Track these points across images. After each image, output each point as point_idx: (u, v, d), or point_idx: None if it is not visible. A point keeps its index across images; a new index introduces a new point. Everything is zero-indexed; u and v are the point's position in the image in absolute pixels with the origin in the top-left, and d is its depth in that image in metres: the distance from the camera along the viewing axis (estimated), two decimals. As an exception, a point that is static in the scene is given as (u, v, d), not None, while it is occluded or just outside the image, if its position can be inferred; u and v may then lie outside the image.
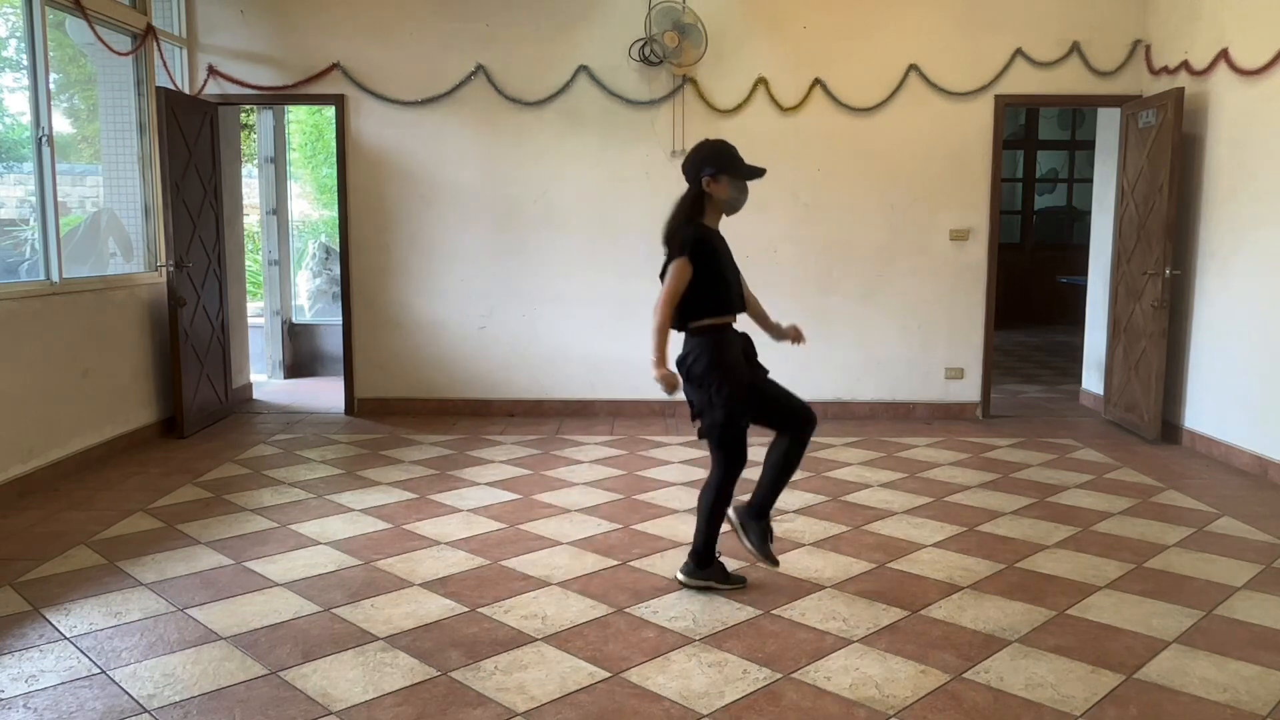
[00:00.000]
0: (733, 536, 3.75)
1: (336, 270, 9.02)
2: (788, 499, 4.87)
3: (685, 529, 4.38)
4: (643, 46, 6.62)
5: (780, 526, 4.43)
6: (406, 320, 6.98)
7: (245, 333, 7.79)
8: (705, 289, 3.49)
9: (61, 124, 6.12)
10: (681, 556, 4.02)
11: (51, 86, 5.22)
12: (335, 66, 6.74)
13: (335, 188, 7.10)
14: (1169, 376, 6.22)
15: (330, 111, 7.97)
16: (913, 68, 6.74)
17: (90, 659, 3.07)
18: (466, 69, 6.75)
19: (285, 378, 8.72)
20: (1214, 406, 5.89)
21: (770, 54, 6.74)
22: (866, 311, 6.91)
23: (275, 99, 7.01)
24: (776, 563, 3.73)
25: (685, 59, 6.58)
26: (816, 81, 6.75)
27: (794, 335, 4.03)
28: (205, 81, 6.74)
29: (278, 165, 8.68)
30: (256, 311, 8.89)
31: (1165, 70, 6.36)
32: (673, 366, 3.46)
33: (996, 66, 6.72)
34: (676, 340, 3.54)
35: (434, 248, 6.91)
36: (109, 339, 5.77)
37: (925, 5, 6.70)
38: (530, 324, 6.98)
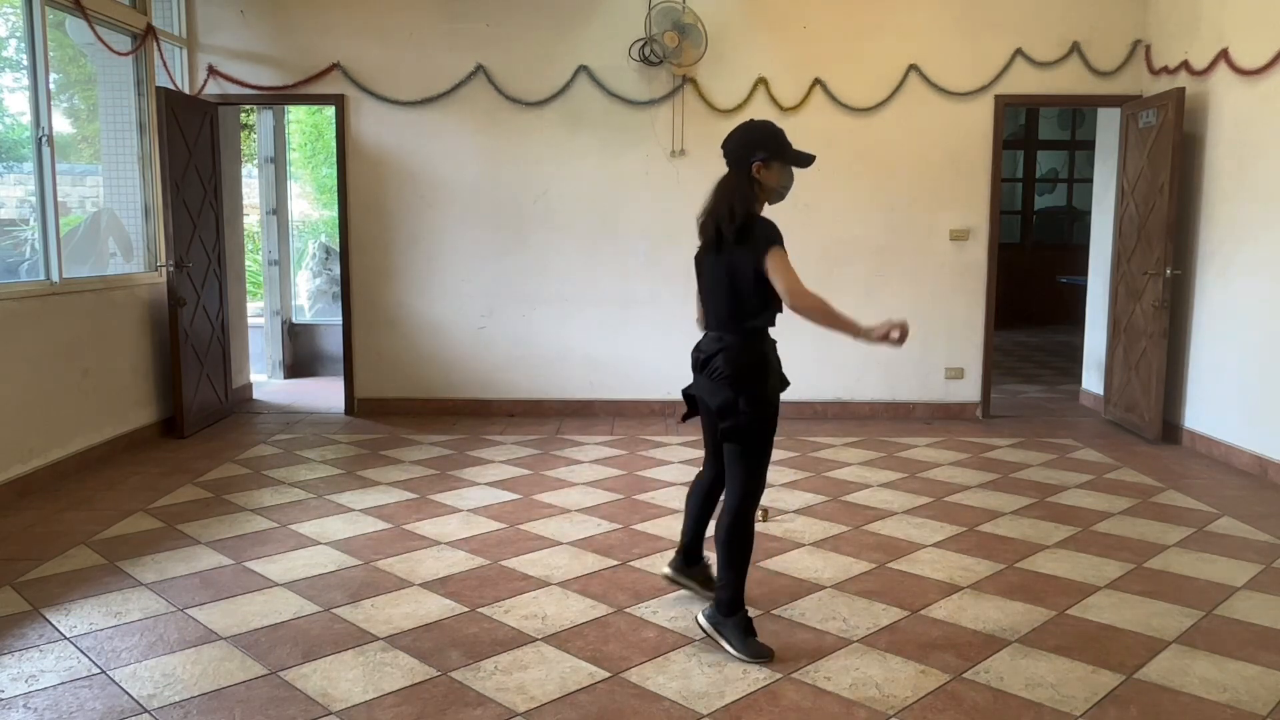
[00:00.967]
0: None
1: (336, 270, 9.02)
2: (788, 499, 4.87)
3: (685, 529, 4.38)
4: (643, 46, 6.62)
5: (780, 526, 4.44)
6: (406, 320, 6.98)
7: (245, 333, 7.79)
8: (771, 290, 3.23)
9: (61, 124, 6.12)
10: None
11: (51, 86, 5.22)
12: (335, 66, 6.74)
13: (335, 188, 7.11)
14: (1169, 376, 6.22)
15: (330, 111, 7.97)
16: (913, 68, 6.74)
17: (90, 659, 3.07)
18: (466, 69, 6.75)
19: (285, 378, 8.72)
20: (1214, 406, 5.89)
21: (770, 54, 6.74)
22: (866, 311, 6.78)
23: (275, 99, 7.01)
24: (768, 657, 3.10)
25: (685, 59, 6.58)
26: (816, 81, 6.75)
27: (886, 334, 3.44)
28: (205, 81, 6.74)
29: (278, 165, 8.68)
30: (256, 311, 8.88)
31: (1165, 70, 6.36)
32: (865, 327, 3.12)
33: (996, 66, 6.72)
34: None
35: (434, 248, 6.91)
36: (109, 339, 5.77)
37: (925, 5, 6.70)
38: (530, 324, 6.98)
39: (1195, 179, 6.10)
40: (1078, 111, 12.77)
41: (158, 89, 6.14)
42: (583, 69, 6.74)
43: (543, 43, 6.74)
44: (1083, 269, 8.13)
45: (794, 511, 4.67)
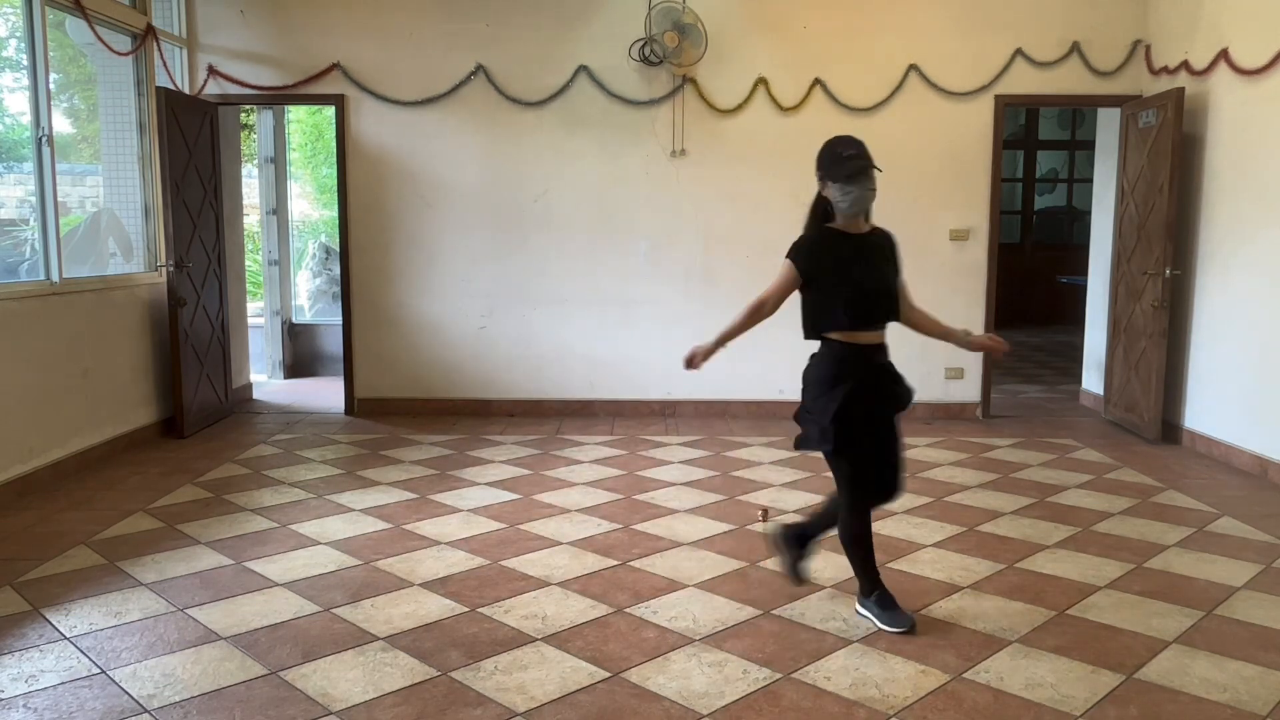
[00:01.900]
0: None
1: (336, 270, 9.02)
2: (788, 499, 4.87)
3: (685, 529, 4.38)
4: (643, 46, 6.62)
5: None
6: (406, 320, 6.98)
7: (245, 333, 7.79)
8: (816, 298, 3.37)
9: (61, 124, 6.12)
10: (681, 555, 4.03)
11: (51, 86, 5.22)
12: (335, 66, 6.74)
13: (335, 188, 7.10)
14: (1169, 376, 6.22)
15: (330, 111, 7.97)
16: (913, 68, 6.74)
17: (90, 659, 3.07)
18: (466, 69, 6.75)
19: (285, 378, 8.72)
20: (1214, 406, 5.89)
21: (770, 54, 6.74)
22: (866, 311, 6.90)
23: (275, 99, 7.01)
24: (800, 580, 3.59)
25: (685, 59, 6.57)
26: (816, 81, 6.75)
27: (989, 346, 3.52)
28: (205, 81, 6.74)
29: (278, 165, 8.68)
30: (256, 311, 8.88)
31: (1165, 70, 6.36)
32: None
33: (996, 66, 6.72)
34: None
35: (434, 248, 6.91)
36: (109, 339, 5.77)
37: (925, 5, 6.70)
38: (530, 324, 6.98)
39: (1195, 179, 6.10)
40: (1078, 111, 12.77)
41: (158, 89, 6.14)
42: (583, 69, 6.74)
43: (543, 43, 6.74)
44: (1083, 269, 8.13)
45: (794, 511, 4.67)
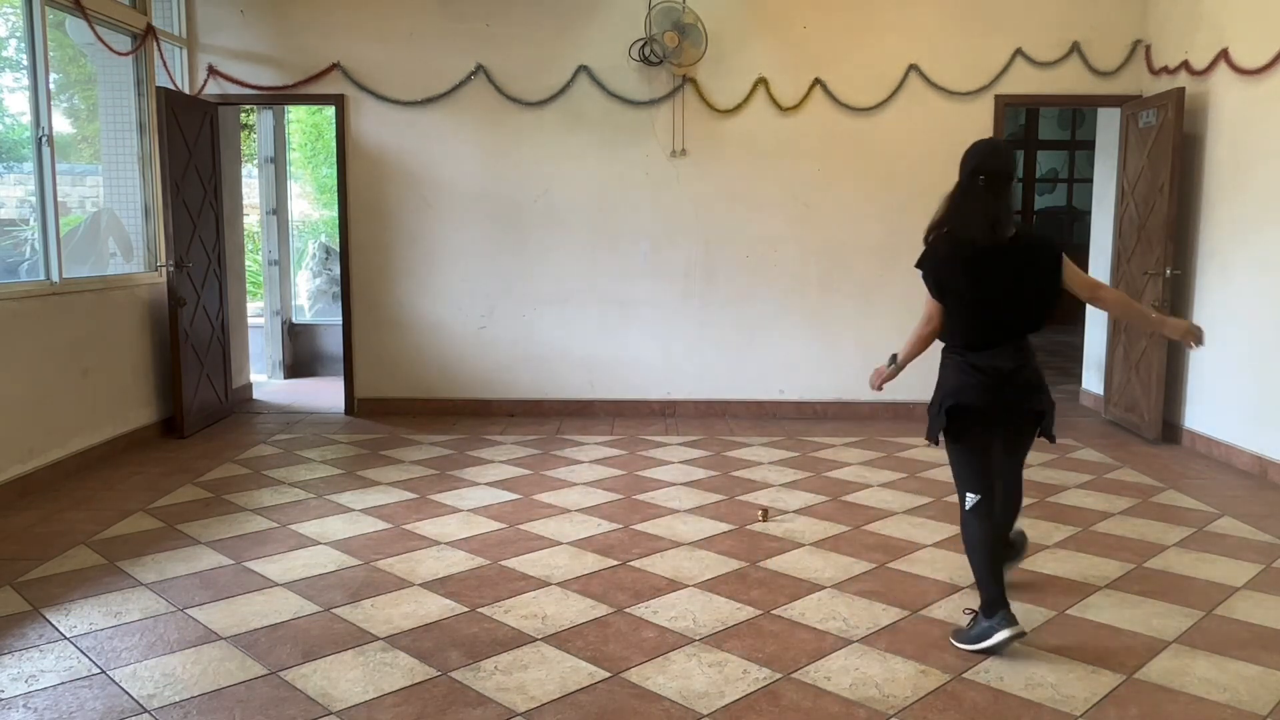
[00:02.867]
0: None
1: (336, 270, 9.02)
2: (788, 499, 4.87)
3: (685, 529, 4.38)
4: (643, 46, 6.61)
5: (780, 526, 4.44)
6: (406, 320, 6.98)
7: (245, 333, 7.79)
8: (945, 309, 3.30)
9: (61, 124, 6.12)
10: (680, 556, 4.02)
11: (51, 86, 5.22)
12: (335, 66, 6.74)
13: (335, 188, 7.10)
14: (1169, 376, 6.22)
15: (330, 111, 7.96)
16: (913, 68, 6.74)
17: (90, 659, 3.07)
18: (466, 69, 6.75)
19: (285, 378, 8.71)
20: (1214, 406, 5.89)
21: (770, 54, 6.74)
22: (866, 311, 6.91)
23: (275, 99, 7.01)
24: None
25: (685, 59, 6.57)
26: (816, 81, 6.75)
27: (1186, 333, 3.22)
28: (205, 81, 6.74)
29: (278, 165, 8.68)
30: (256, 311, 8.88)
31: (1165, 70, 6.36)
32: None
33: (996, 66, 6.72)
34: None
35: (434, 248, 6.91)
36: (109, 339, 5.77)
37: (925, 5, 6.70)
38: (530, 324, 6.98)
39: (1195, 179, 6.10)
40: (1078, 111, 12.76)
41: (158, 89, 6.14)
42: (583, 69, 6.74)
43: (543, 43, 6.74)
44: (1083, 269, 8.11)
45: (794, 511, 4.67)
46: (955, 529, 4.40)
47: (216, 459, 5.68)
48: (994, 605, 3.09)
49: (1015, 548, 3.62)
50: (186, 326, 6.31)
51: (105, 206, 6.31)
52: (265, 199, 8.72)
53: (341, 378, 7.19)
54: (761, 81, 6.75)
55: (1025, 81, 6.73)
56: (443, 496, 4.91)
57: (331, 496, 4.91)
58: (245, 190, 8.29)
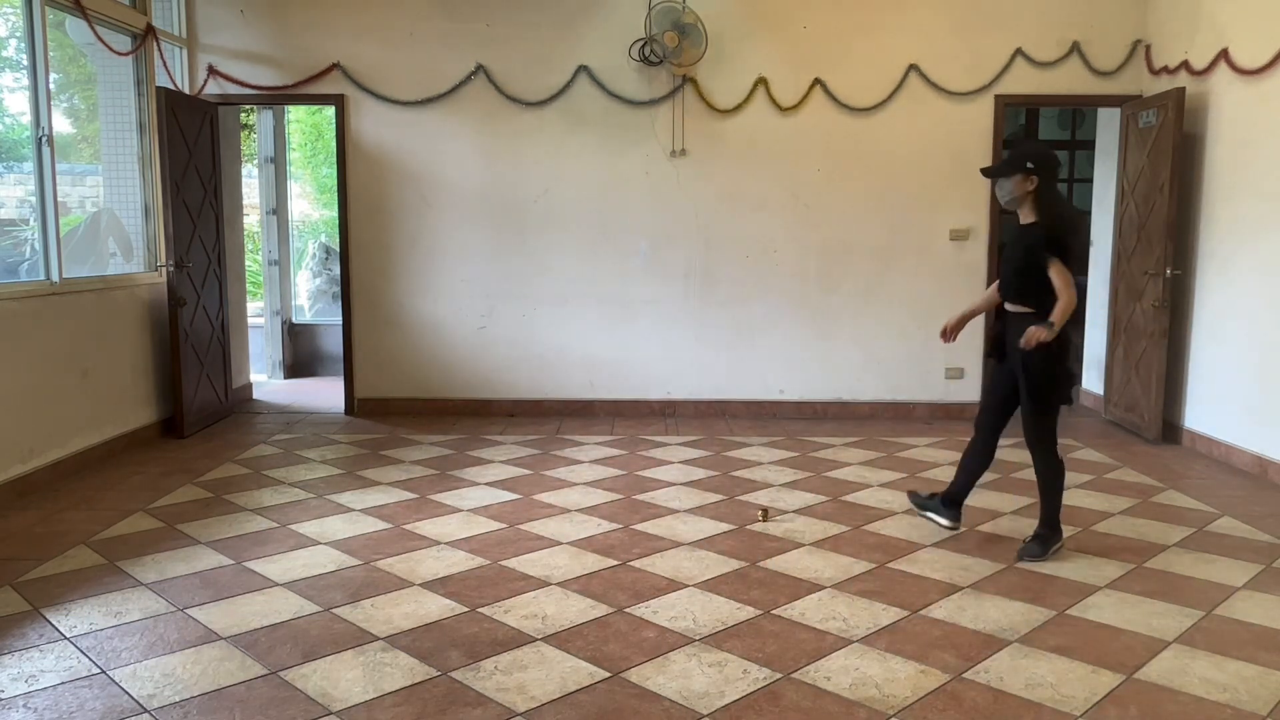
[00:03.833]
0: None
1: (336, 270, 9.02)
2: (788, 499, 4.87)
3: (685, 529, 4.38)
4: (643, 46, 6.61)
5: (780, 526, 4.44)
6: (406, 320, 6.98)
7: (245, 333, 7.79)
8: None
9: (61, 124, 6.12)
10: (680, 556, 4.03)
11: (51, 86, 5.22)
12: (335, 66, 6.74)
13: (335, 188, 7.10)
14: (1169, 376, 6.22)
15: (330, 111, 7.97)
16: (913, 68, 6.74)
17: (90, 659, 3.07)
18: (466, 69, 6.75)
19: (285, 378, 8.72)
20: (1214, 406, 5.89)
21: (770, 54, 6.74)
22: (866, 311, 6.91)
23: (275, 99, 7.01)
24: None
25: (685, 59, 6.57)
26: (816, 81, 6.75)
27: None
28: (205, 81, 6.74)
29: (278, 165, 8.68)
30: (256, 311, 8.88)
31: (1165, 70, 6.36)
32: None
33: (996, 66, 6.72)
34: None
35: (434, 248, 6.91)
36: (109, 339, 5.77)
37: (925, 5, 6.70)
38: (530, 324, 6.98)
39: (1195, 179, 6.10)
40: (1078, 111, 12.74)
41: (158, 89, 6.14)
42: (583, 69, 6.74)
43: (543, 43, 6.74)
44: (1083, 270, 8.12)
45: (794, 511, 4.67)
46: (955, 529, 4.41)
47: (216, 459, 5.68)
48: (1053, 525, 4.05)
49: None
50: (186, 326, 6.31)
51: (105, 206, 6.31)
52: (265, 199, 8.72)
53: (341, 378, 7.19)
54: (761, 81, 6.75)
55: (1025, 81, 6.73)
56: (443, 496, 4.91)
57: (331, 496, 4.91)
58: (245, 190, 8.29)
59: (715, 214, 6.87)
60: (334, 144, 7.10)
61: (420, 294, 6.96)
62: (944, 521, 4.35)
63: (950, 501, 4.36)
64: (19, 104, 5.52)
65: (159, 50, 6.34)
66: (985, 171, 4.20)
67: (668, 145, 6.81)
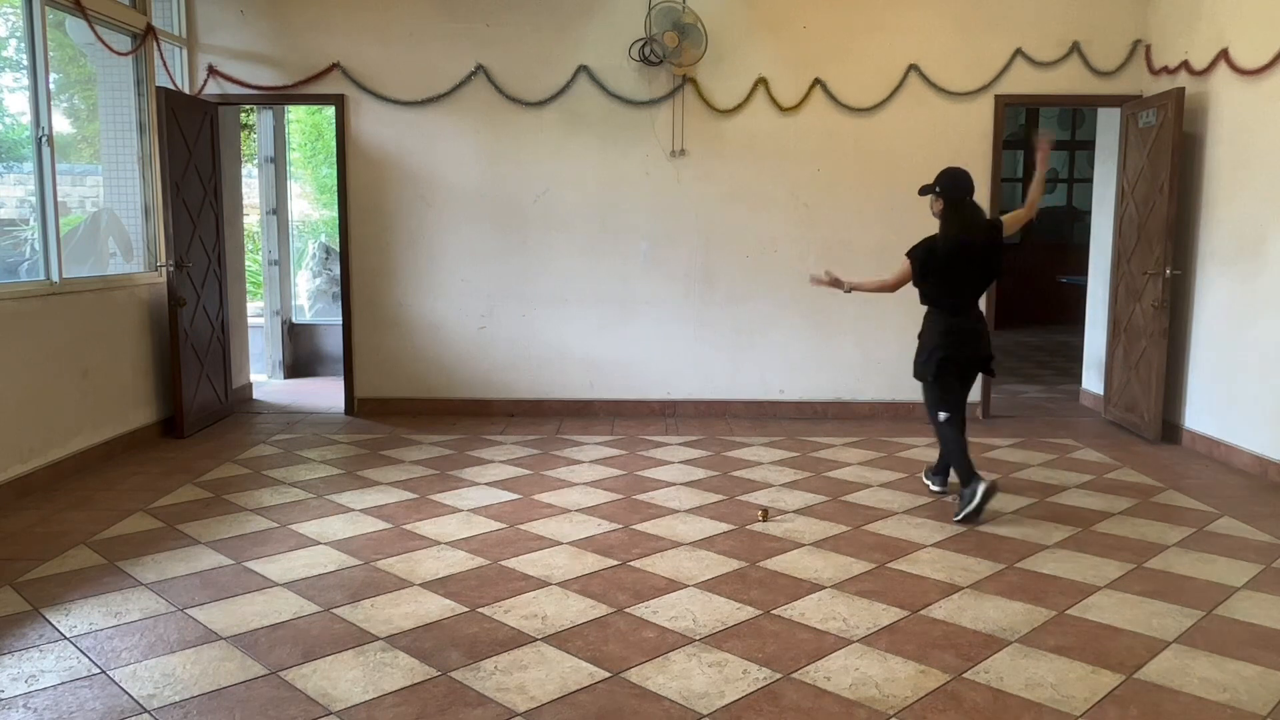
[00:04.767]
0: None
1: (336, 270, 9.02)
2: (788, 499, 4.87)
3: (685, 529, 4.38)
4: (643, 46, 6.62)
5: (780, 526, 4.44)
6: (406, 320, 6.98)
7: (245, 333, 7.79)
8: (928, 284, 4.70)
9: (61, 124, 6.12)
10: (680, 556, 4.03)
11: (51, 86, 5.22)
12: (335, 66, 6.74)
13: (335, 188, 7.10)
14: (1169, 376, 6.22)
15: (330, 111, 7.97)
16: (913, 68, 6.74)
17: (90, 659, 3.07)
18: (466, 69, 6.75)
19: (285, 378, 8.71)
20: (1214, 406, 5.89)
21: (770, 54, 6.74)
22: (866, 311, 6.90)
23: (275, 99, 7.01)
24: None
25: (685, 59, 6.57)
26: (816, 81, 6.75)
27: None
28: (205, 81, 6.74)
29: (278, 165, 8.68)
30: (256, 311, 8.88)
31: (1165, 70, 6.36)
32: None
33: (996, 66, 6.72)
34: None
35: (434, 248, 6.91)
36: (109, 339, 5.77)
37: (925, 5, 6.70)
38: (530, 324, 6.98)
39: (1195, 179, 6.10)
40: (1078, 111, 12.77)
41: (158, 89, 6.14)
42: (583, 69, 6.74)
43: (543, 43, 6.74)
44: (1083, 269, 8.13)
45: (794, 511, 4.67)
46: (956, 529, 4.42)
47: (216, 459, 5.68)
48: (971, 476, 4.49)
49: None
50: (186, 326, 6.31)
51: (105, 206, 6.31)
52: (265, 199, 8.72)
53: (341, 378, 7.20)
54: (761, 81, 6.75)
55: (1025, 81, 6.73)
56: (443, 496, 4.92)
57: (331, 496, 4.91)
58: (245, 190, 8.29)
59: (715, 214, 6.87)
60: (334, 144, 7.10)
61: (420, 294, 6.96)
62: (934, 487, 5.00)
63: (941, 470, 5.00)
64: (19, 104, 5.52)
65: (159, 50, 6.34)
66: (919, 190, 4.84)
67: (668, 145, 6.81)
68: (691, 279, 6.93)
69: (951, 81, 6.74)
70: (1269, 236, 5.38)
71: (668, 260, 6.92)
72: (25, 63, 5.13)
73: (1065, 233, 13.31)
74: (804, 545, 4.18)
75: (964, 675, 2.97)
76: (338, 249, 7.36)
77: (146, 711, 2.75)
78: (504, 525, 4.44)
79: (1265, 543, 4.26)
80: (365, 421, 6.81)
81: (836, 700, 2.82)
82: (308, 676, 2.95)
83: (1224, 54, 5.73)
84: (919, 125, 6.78)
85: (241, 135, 8.28)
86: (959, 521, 4.46)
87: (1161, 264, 6.08)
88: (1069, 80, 6.73)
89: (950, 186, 4.62)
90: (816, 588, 3.69)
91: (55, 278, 5.25)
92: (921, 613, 3.45)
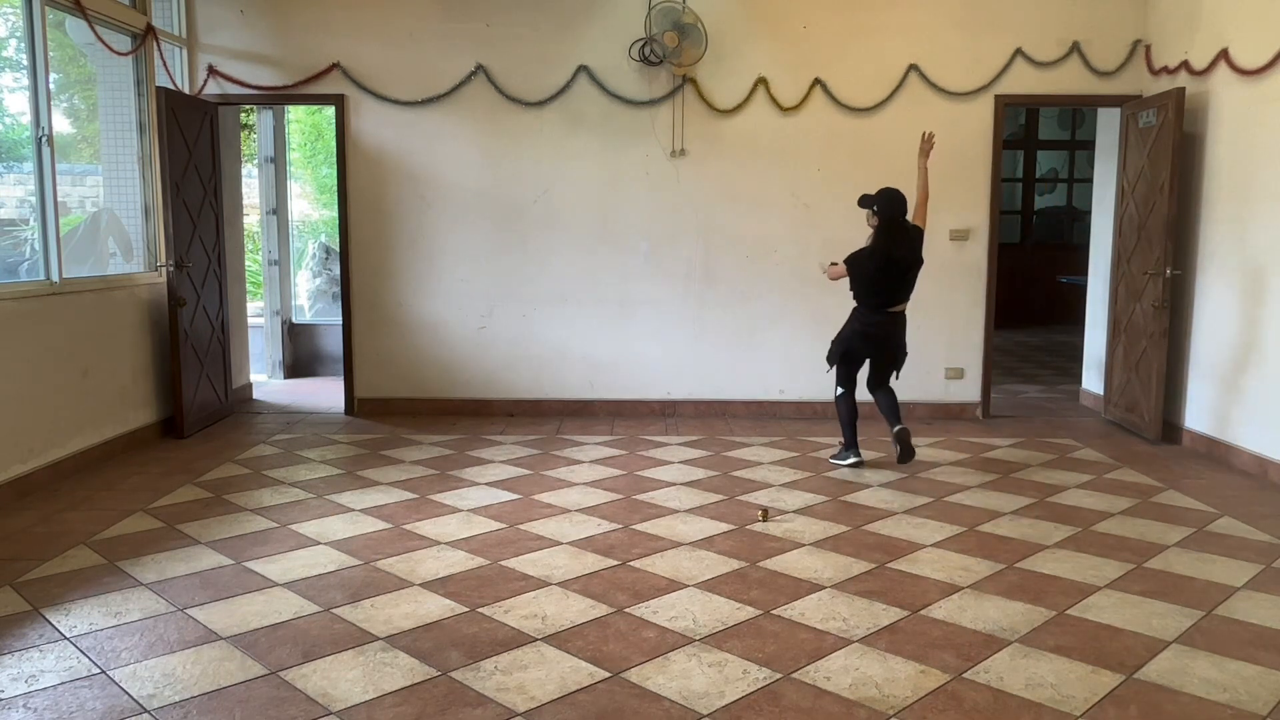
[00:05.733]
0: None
1: (336, 270, 9.02)
2: (788, 499, 4.87)
3: (685, 528, 4.38)
4: (643, 46, 6.62)
5: (780, 526, 4.44)
6: (406, 320, 6.98)
7: (245, 333, 7.79)
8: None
9: (61, 124, 6.12)
10: (680, 556, 4.03)
11: (51, 86, 5.22)
12: (335, 66, 6.74)
13: (335, 188, 7.10)
14: (1169, 376, 6.22)
15: (330, 111, 7.97)
16: (913, 68, 6.74)
17: (90, 659, 3.07)
18: (466, 69, 6.75)
19: (285, 378, 8.71)
20: (1214, 406, 5.89)
21: (770, 54, 6.74)
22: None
23: (275, 99, 7.01)
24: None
25: (685, 59, 6.57)
26: (816, 81, 6.75)
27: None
28: (205, 81, 6.74)
29: (278, 165, 8.68)
30: (256, 311, 8.88)
31: (1165, 70, 6.36)
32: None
33: (996, 66, 6.72)
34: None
35: (434, 248, 6.91)
36: (109, 339, 5.77)
37: (925, 5, 6.70)
38: (530, 324, 6.98)
39: (1195, 179, 6.10)
40: (1078, 111, 12.77)
41: (158, 89, 6.14)
42: (583, 69, 6.74)
43: (543, 43, 6.74)
44: (1083, 269, 8.13)
45: (794, 511, 4.67)
46: (956, 528, 4.43)
47: (216, 459, 5.68)
48: (852, 445, 5.56)
49: (899, 422, 5.46)
50: (186, 326, 6.31)
51: (105, 206, 6.31)
52: (265, 199, 8.72)
53: (341, 378, 7.20)
54: (761, 81, 6.75)
55: (1025, 81, 6.73)
56: (443, 496, 4.92)
57: (331, 496, 4.91)
58: (245, 190, 8.29)
59: (715, 214, 6.87)
60: (334, 144, 7.10)
61: (420, 294, 6.96)
62: (854, 458, 5.57)
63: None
64: (19, 104, 5.52)
65: (159, 50, 6.34)
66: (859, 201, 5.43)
67: (668, 145, 6.81)
68: (691, 279, 6.93)
69: (951, 81, 6.74)
70: (1269, 236, 5.38)
71: (668, 260, 6.92)
72: (25, 63, 5.13)
73: (1065, 233, 13.32)
74: (804, 545, 4.18)
75: (964, 675, 2.97)
76: (338, 249, 7.37)
77: (146, 711, 2.75)
78: (504, 525, 4.44)
79: (1265, 543, 4.26)
80: (365, 421, 6.81)
81: (836, 700, 2.82)
82: (308, 676, 2.95)
83: (1224, 54, 5.73)
84: (919, 125, 6.74)
85: (241, 135, 8.28)
86: (830, 460, 5.62)
87: (1161, 264, 6.08)
88: (1069, 80, 6.73)
89: (886, 208, 5.26)
90: (816, 588, 3.69)
91: (55, 278, 5.25)
92: (921, 613, 3.45)
